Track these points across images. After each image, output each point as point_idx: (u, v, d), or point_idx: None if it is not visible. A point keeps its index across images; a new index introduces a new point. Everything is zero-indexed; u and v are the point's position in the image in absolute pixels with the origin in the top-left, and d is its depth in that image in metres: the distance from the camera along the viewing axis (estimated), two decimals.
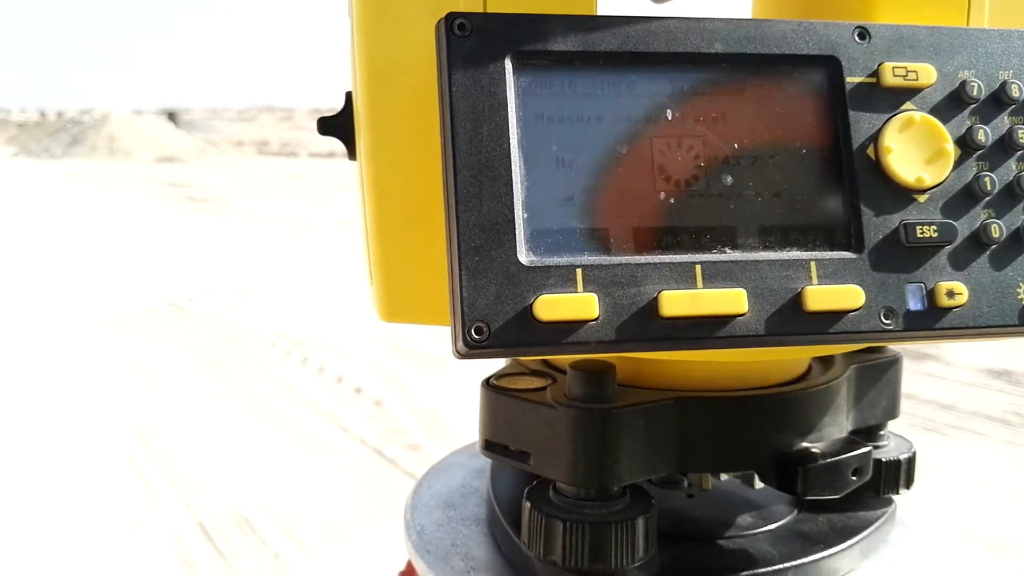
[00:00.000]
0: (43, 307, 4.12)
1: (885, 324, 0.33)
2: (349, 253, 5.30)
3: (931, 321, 0.33)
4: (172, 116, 22.64)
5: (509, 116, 0.31)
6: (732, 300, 0.31)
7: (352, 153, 0.42)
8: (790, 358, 0.42)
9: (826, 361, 0.45)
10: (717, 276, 0.32)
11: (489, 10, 0.35)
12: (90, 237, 6.36)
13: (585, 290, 0.31)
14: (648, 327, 0.31)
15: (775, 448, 0.39)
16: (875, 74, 0.34)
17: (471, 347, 0.30)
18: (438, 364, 3.07)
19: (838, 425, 0.41)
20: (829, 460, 0.38)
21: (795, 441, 0.39)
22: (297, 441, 2.47)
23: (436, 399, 2.74)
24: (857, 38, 0.35)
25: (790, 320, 0.32)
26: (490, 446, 0.39)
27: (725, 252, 0.33)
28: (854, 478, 0.40)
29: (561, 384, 0.39)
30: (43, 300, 4.27)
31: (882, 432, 0.47)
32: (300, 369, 3.12)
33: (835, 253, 0.33)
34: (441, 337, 3.26)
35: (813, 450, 0.39)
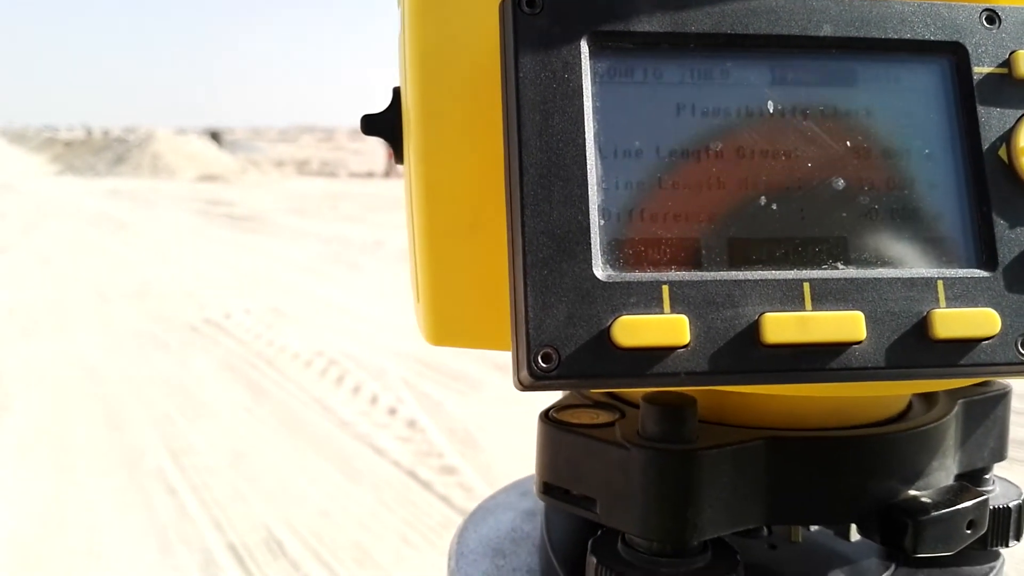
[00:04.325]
0: (81, 321, 4.16)
1: (1023, 355, 0.28)
2: (386, 272, 5.30)
3: None
4: (215, 136, 23.04)
5: (584, 107, 0.27)
6: (848, 325, 0.27)
7: (399, 155, 0.37)
8: (907, 392, 0.36)
9: (928, 394, 0.40)
10: (829, 296, 0.27)
11: None
12: (131, 253, 6.45)
13: (673, 311, 0.26)
14: (748, 356, 0.26)
15: (879, 497, 0.33)
16: (1006, 64, 0.30)
17: (537, 377, 0.25)
18: (474, 385, 3.02)
19: (946, 470, 0.36)
20: (943, 511, 0.33)
21: (901, 489, 0.34)
22: (330, 462, 2.44)
23: (471, 421, 2.69)
24: (985, 22, 0.30)
25: (915, 349, 0.27)
26: (549, 490, 0.34)
27: (837, 268, 0.28)
28: (968, 532, 0.34)
29: (632, 419, 0.34)
30: (82, 314, 4.32)
31: (987, 476, 0.41)
32: (335, 389, 3.10)
33: (964, 271, 0.28)
34: (479, 358, 3.27)
35: (923, 500, 0.33)
